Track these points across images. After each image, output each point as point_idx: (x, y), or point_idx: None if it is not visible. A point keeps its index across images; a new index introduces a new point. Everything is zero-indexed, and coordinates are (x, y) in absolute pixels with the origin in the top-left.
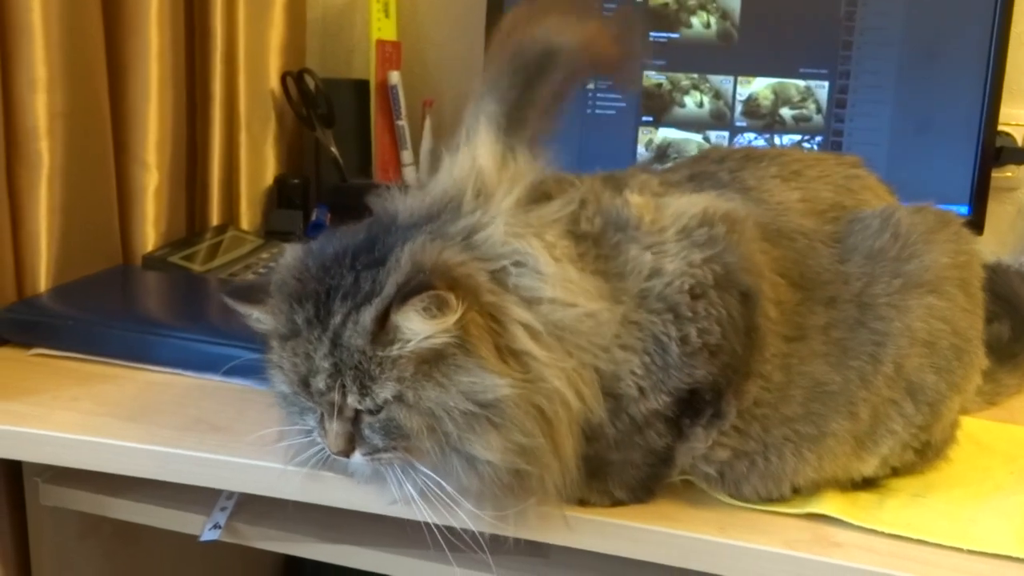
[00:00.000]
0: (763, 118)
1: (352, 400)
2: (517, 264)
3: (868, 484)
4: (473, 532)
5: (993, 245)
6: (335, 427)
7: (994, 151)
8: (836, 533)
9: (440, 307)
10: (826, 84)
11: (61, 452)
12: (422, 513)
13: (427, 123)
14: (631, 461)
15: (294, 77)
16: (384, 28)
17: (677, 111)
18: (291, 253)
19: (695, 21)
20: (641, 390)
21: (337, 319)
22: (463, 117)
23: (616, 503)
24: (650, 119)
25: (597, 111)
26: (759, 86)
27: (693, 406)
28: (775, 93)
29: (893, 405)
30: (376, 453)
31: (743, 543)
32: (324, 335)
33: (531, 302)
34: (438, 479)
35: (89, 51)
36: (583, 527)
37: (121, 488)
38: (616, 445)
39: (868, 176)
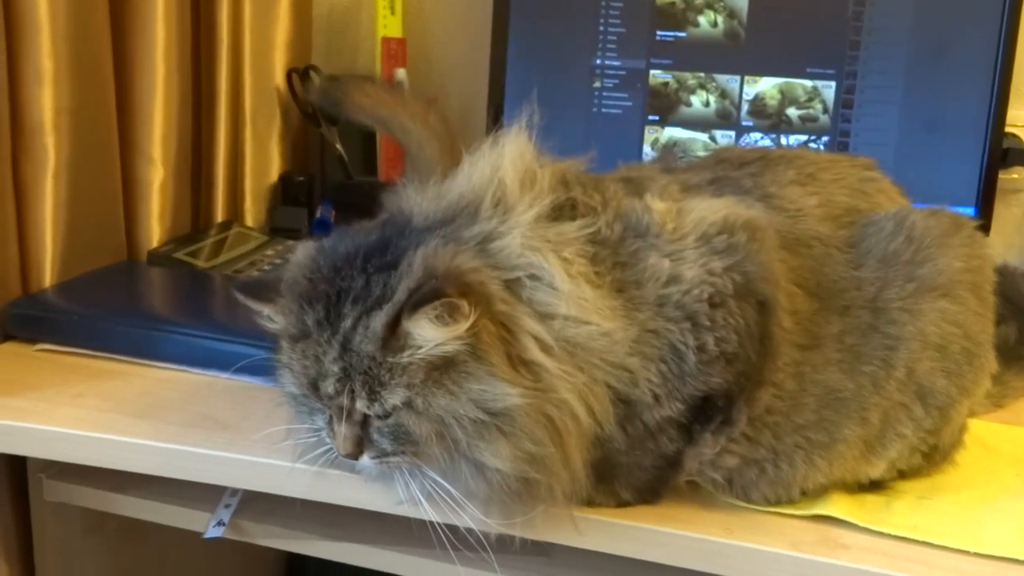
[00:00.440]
0: (769, 118)
1: (361, 405)
2: (532, 277)
3: (875, 486)
4: (479, 533)
5: (999, 247)
6: (344, 430)
7: (1001, 153)
8: (843, 535)
9: (452, 314)
10: (833, 84)
11: (65, 448)
12: (431, 513)
13: None
14: (640, 464)
15: (300, 74)
16: (390, 25)
17: (683, 110)
18: (303, 251)
19: (702, 20)
20: (656, 397)
21: (347, 323)
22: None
23: (622, 504)
24: (656, 118)
25: (603, 110)
26: (766, 86)
27: (704, 412)
28: (782, 93)
29: (903, 409)
30: (384, 457)
31: (749, 544)
32: (334, 338)
33: (544, 316)
34: (446, 484)
35: (95, 46)
36: (589, 527)
37: (125, 484)
38: (627, 449)
39: (882, 179)
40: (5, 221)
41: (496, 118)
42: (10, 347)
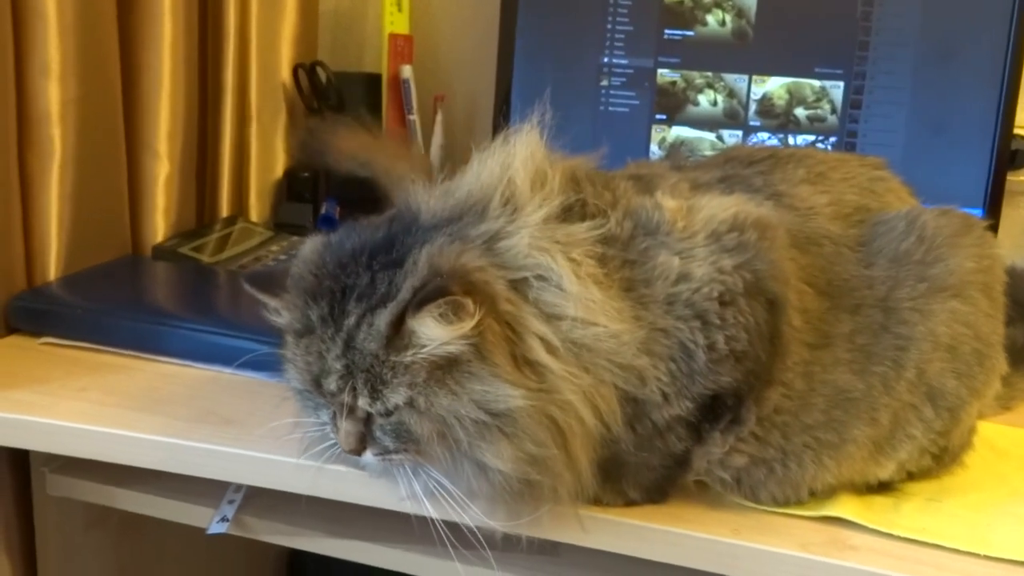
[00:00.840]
0: (777, 118)
1: (363, 403)
2: (539, 278)
3: (883, 488)
4: (484, 531)
5: (1007, 249)
6: (346, 426)
7: (1009, 154)
8: (851, 536)
9: (456, 312)
10: (841, 84)
11: (69, 442)
12: (435, 510)
13: (438, 118)
14: (648, 463)
15: (306, 69)
16: (397, 22)
17: (691, 109)
18: (310, 245)
19: (710, 19)
20: (665, 396)
21: (351, 320)
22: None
23: (629, 503)
24: (664, 117)
25: (610, 108)
26: (773, 85)
27: (713, 411)
28: (790, 93)
29: (913, 410)
30: (387, 454)
31: (757, 545)
32: (338, 335)
33: (551, 317)
34: (448, 483)
35: (102, 38)
36: (595, 526)
37: (128, 479)
38: (635, 448)
39: (892, 178)
40: (10, 214)
41: (503, 116)
42: (14, 340)
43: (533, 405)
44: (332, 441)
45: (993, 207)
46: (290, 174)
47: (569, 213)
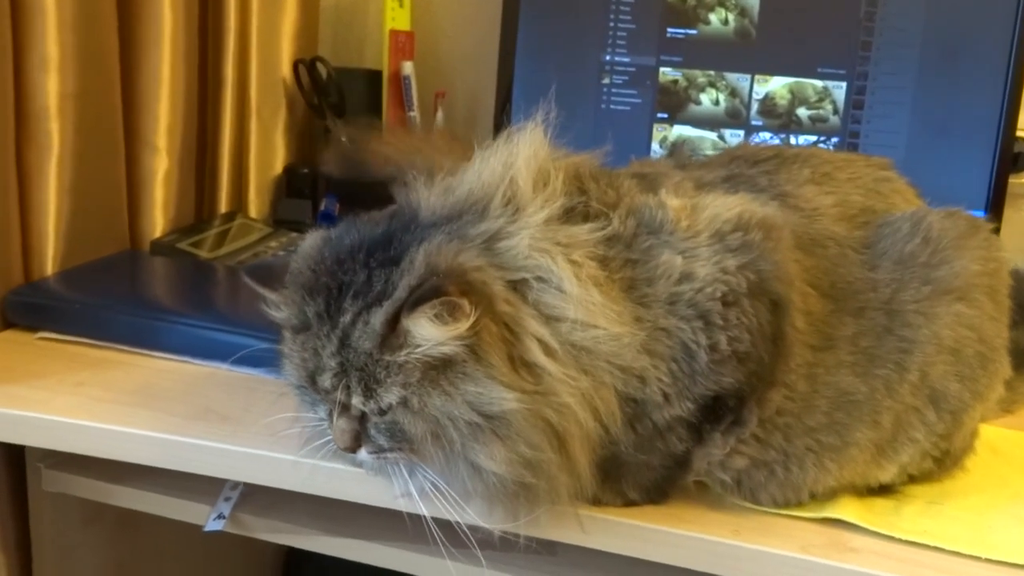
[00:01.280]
0: (779, 117)
1: (357, 401)
2: (539, 279)
3: (884, 490)
4: (480, 531)
5: (1009, 251)
6: (341, 424)
7: (1012, 157)
8: (852, 538)
9: (452, 313)
10: (844, 84)
11: (65, 437)
12: (430, 509)
13: (439, 115)
14: (648, 464)
15: (306, 65)
16: (398, 18)
17: (693, 108)
18: (310, 240)
19: (713, 18)
20: (666, 396)
21: (347, 317)
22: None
23: (629, 504)
24: (665, 116)
25: (612, 107)
26: (776, 85)
27: (714, 412)
28: (792, 92)
29: (916, 413)
30: (381, 452)
31: (757, 546)
32: (333, 333)
33: (550, 319)
34: (443, 483)
35: (101, 32)
36: (594, 527)
37: (125, 475)
38: (635, 448)
39: (897, 179)
40: (8, 208)
41: (504, 113)
42: (11, 335)
43: (528, 408)
44: (329, 437)
45: (995, 209)
46: (290, 170)
47: (571, 214)
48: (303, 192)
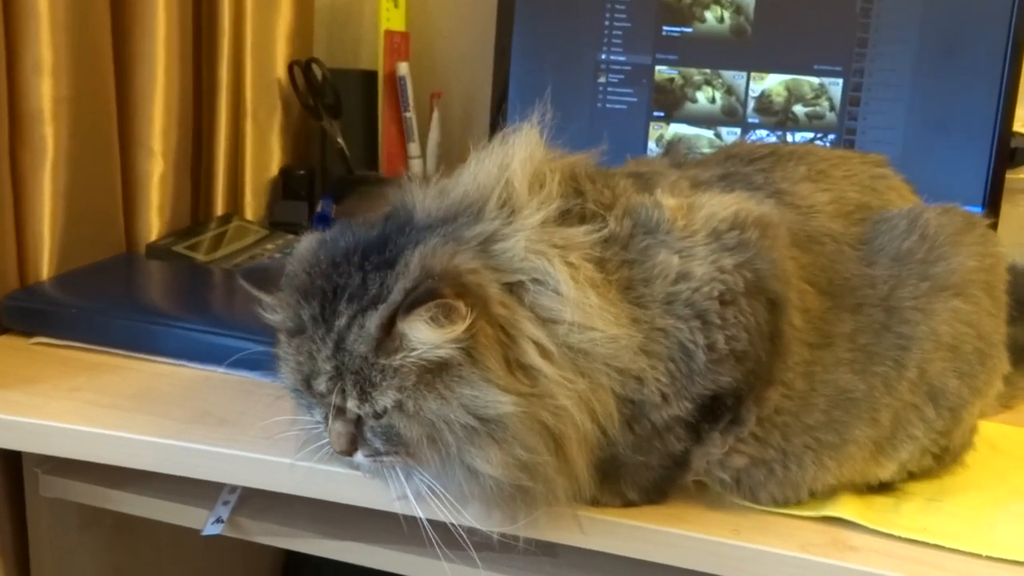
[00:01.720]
0: (776, 115)
1: (352, 404)
2: (536, 281)
3: (884, 488)
4: (480, 533)
5: (1007, 247)
6: (337, 427)
7: (1009, 152)
8: (852, 537)
9: (448, 315)
10: (840, 81)
11: (61, 443)
12: (428, 511)
13: (435, 115)
14: (646, 464)
15: (301, 66)
16: (393, 18)
17: (689, 106)
18: (306, 243)
19: (709, 16)
20: (664, 396)
21: (342, 321)
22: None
23: (628, 504)
24: (661, 114)
25: (608, 105)
26: (772, 82)
27: (713, 411)
28: (788, 90)
29: (914, 410)
30: (377, 456)
31: (757, 546)
32: (328, 336)
33: (546, 322)
34: (440, 486)
35: (95, 35)
36: (593, 527)
37: (122, 480)
38: (633, 448)
39: (893, 176)
40: (2, 212)
41: (500, 113)
42: (6, 340)
43: (524, 411)
44: (326, 440)
45: (993, 205)
46: (285, 172)
47: (568, 215)
48: (299, 194)
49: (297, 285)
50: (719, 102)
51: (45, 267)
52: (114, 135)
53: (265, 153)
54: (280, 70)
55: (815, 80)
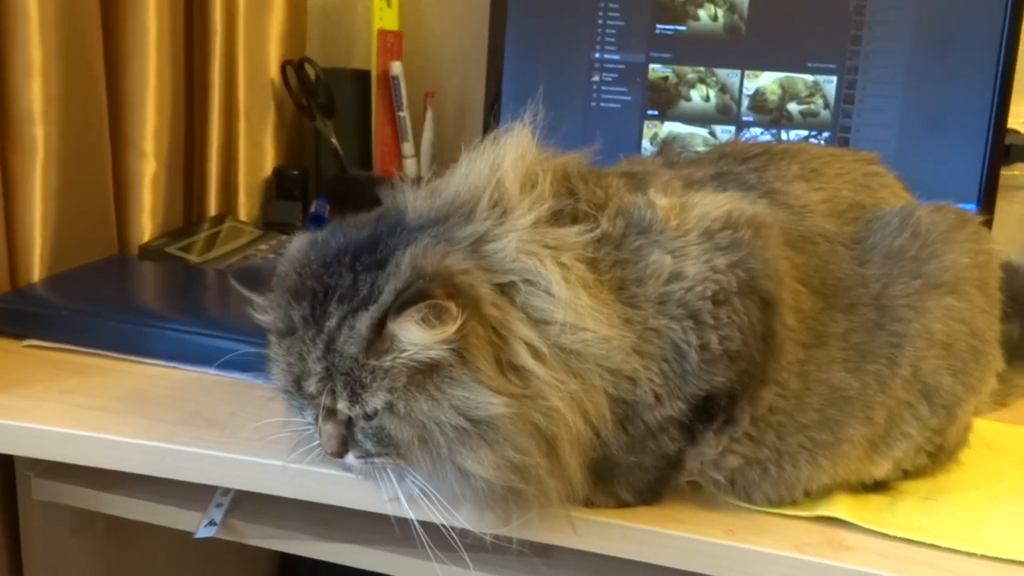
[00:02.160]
0: (770, 113)
1: (342, 406)
2: (527, 282)
3: (879, 487)
4: (473, 535)
5: (1001, 244)
6: (328, 429)
7: (1003, 149)
8: (847, 536)
9: (439, 316)
10: (834, 79)
11: (53, 446)
12: (420, 513)
13: (429, 115)
14: (640, 464)
15: (294, 66)
16: (386, 18)
17: (683, 105)
18: (296, 243)
19: (702, 14)
20: (657, 397)
21: (332, 322)
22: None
23: (622, 505)
24: (655, 113)
25: (602, 104)
26: (766, 80)
27: (706, 411)
28: (782, 88)
29: (908, 408)
30: (368, 457)
31: (752, 546)
32: (319, 337)
33: (538, 322)
34: (431, 488)
35: (86, 35)
36: (588, 528)
37: (115, 483)
38: (627, 449)
39: (886, 174)
40: None
41: (494, 112)
42: None
43: (516, 412)
44: (318, 442)
45: (987, 202)
46: (279, 172)
47: (560, 215)
48: (293, 194)
49: (288, 286)
50: (713, 100)
51: (36, 269)
52: (105, 135)
53: (258, 153)
54: (273, 70)
55: (809, 78)
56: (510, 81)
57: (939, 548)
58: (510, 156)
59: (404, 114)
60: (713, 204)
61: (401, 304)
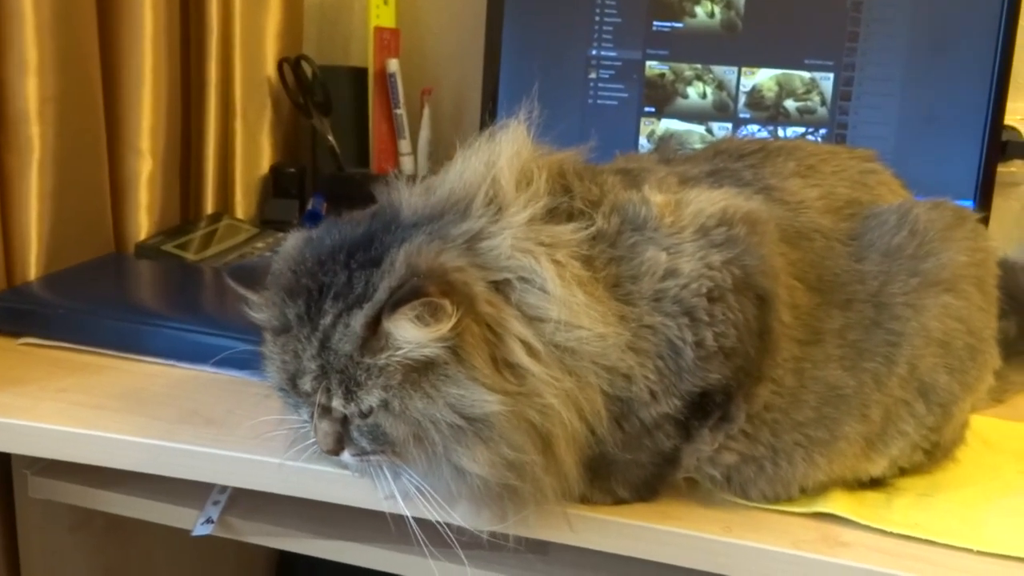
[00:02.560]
0: (767, 110)
1: (337, 404)
2: (522, 280)
3: (875, 484)
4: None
5: (998, 241)
6: (323, 427)
7: (1000, 146)
8: (843, 533)
9: (433, 313)
10: (831, 76)
11: (50, 444)
12: (416, 510)
13: (425, 112)
14: (637, 461)
15: (291, 64)
16: (383, 15)
17: (680, 102)
18: (292, 241)
19: (699, 11)
20: (653, 394)
21: (327, 320)
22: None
23: (619, 502)
24: (652, 110)
25: (599, 101)
26: (763, 77)
27: (702, 408)
28: (779, 84)
29: (905, 406)
30: (364, 455)
31: (749, 543)
32: (313, 335)
33: (533, 320)
34: (427, 486)
35: (81, 34)
36: (584, 525)
37: (112, 481)
38: (623, 446)
39: (883, 171)
40: None
41: (490, 109)
42: None
43: (511, 410)
44: (314, 440)
45: (984, 199)
46: (276, 170)
47: (555, 213)
48: (290, 192)
49: (283, 283)
50: (710, 97)
51: (33, 267)
52: (102, 134)
53: (255, 151)
54: (269, 67)
55: (806, 75)
56: (507, 78)
57: (935, 544)
58: (506, 153)
59: (401, 112)
60: (708, 201)
61: (396, 302)
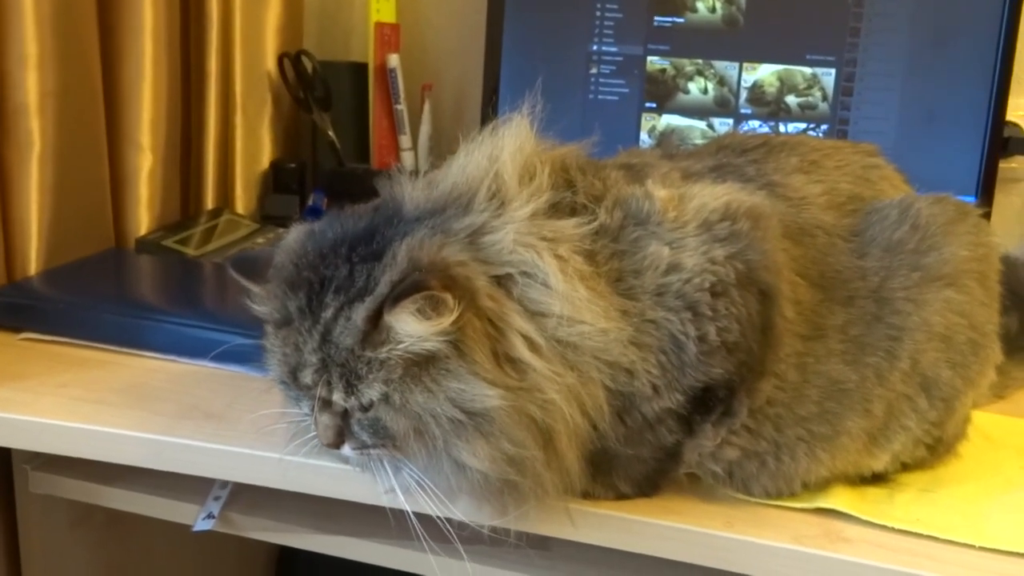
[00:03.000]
0: (768, 105)
1: (338, 397)
2: (525, 274)
3: (877, 479)
4: (470, 527)
5: (1000, 236)
6: (324, 420)
7: (1001, 141)
8: (845, 528)
9: (435, 307)
10: (833, 71)
11: (50, 439)
12: (416, 505)
13: (426, 107)
14: (638, 456)
15: (291, 59)
16: (383, 10)
17: (681, 97)
18: (294, 234)
19: (700, 6)
20: (655, 388)
21: (328, 313)
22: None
23: (621, 497)
24: (653, 105)
25: (600, 96)
26: (764, 73)
27: (704, 403)
28: (781, 80)
29: (907, 401)
30: (364, 448)
31: (750, 538)
32: (315, 328)
33: (535, 315)
34: (427, 480)
35: (81, 28)
36: (586, 521)
37: (113, 476)
38: (625, 441)
39: (885, 166)
40: None
41: (491, 104)
42: None
43: (512, 405)
44: (315, 433)
45: (986, 194)
46: (276, 165)
47: (558, 207)
48: (290, 187)
49: (284, 276)
50: (711, 93)
51: (33, 262)
52: (102, 129)
53: (255, 146)
54: (270, 63)
55: (807, 70)
56: (508, 74)
57: (937, 540)
58: (508, 148)
59: (401, 107)
60: (711, 195)
61: (397, 295)
